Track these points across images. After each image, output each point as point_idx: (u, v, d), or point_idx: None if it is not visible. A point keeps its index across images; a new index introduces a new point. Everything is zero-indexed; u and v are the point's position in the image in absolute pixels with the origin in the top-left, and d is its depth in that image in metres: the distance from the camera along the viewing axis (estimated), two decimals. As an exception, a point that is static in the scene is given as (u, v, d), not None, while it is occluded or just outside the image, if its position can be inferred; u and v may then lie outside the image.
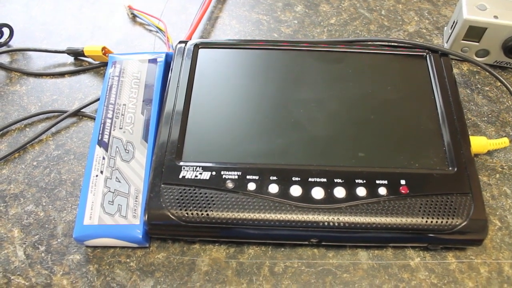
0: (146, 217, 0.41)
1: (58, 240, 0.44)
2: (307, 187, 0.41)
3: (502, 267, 0.43)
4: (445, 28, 0.56)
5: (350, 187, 0.41)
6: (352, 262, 0.43)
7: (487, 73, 0.51)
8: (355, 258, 0.43)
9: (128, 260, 0.43)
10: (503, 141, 0.47)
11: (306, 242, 0.42)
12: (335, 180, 0.42)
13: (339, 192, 0.41)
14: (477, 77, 0.54)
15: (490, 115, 0.52)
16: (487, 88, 0.54)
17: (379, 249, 0.43)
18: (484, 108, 0.52)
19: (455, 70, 0.55)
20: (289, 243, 0.44)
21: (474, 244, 0.43)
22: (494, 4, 0.51)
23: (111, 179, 0.44)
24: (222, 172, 0.42)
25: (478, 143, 0.47)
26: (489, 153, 0.49)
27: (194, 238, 0.43)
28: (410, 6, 0.61)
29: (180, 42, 0.51)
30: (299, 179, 0.42)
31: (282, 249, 0.43)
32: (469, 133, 0.50)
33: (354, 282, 0.42)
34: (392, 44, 0.52)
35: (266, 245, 0.44)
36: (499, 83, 0.52)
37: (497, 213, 0.46)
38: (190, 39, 0.55)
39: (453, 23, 0.53)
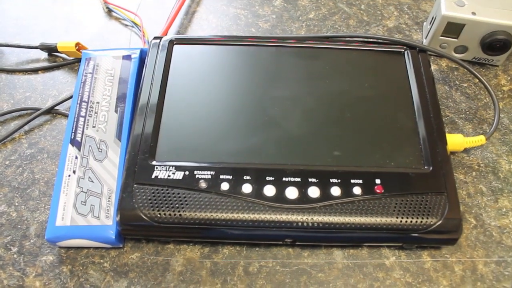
0: (119, 217, 0.41)
1: (31, 241, 0.43)
2: (281, 187, 0.41)
3: (476, 265, 0.43)
4: (425, 23, 0.56)
5: (324, 186, 0.41)
6: (327, 261, 0.43)
7: (465, 70, 0.51)
8: (330, 257, 0.43)
9: (101, 260, 0.42)
10: (480, 139, 0.47)
11: (281, 242, 0.42)
12: (310, 180, 0.41)
13: (313, 192, 0.41)
14: (455, 73, 0.54)
15: (468, 112, 0.51)
16: (466, 85, 0.53)
17: (354, 248, 0.43)
18: (462, 105, 0.52)
19: (434, 66, 0.55)
20: (264, 243, 0.43)
21: (448, 243, 0.43)
22: (473, 0, 0.51)
23: (83, 179, 0.44)
24: (195, 172, 0.42)
25: (455, 141, 0.47)
26: (466, 150, 0.49)
27: (167, 238, 0.43)
28: (390, 1, 0.61)
29: (155, 38, 0.50)
30: (273, 178, 0.41)
31: (257, 248, 0.43)
32: (447, 130, 0.50)
33: (328, 282, 0.42)
34: (370, 40, 0.51)
35: (240, 245, 0.43)
36: (477, 80, 0.52)
37: (473, 211, 0.46)
38: (166, 35, 0.54)
39: (432, 18, 0.53)
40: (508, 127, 0.51)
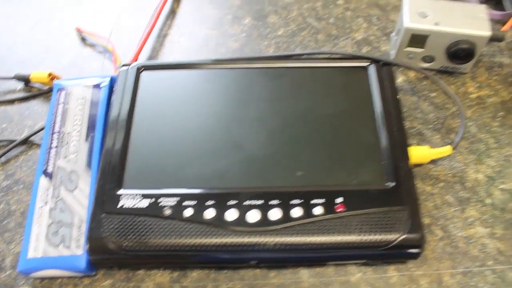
0: (88, 247, 0.42)
1: (6, 272, 0.45)
2: (243, 210, 0.42)
3: (442, 278, 0.43)
4: (392, 34, 0.56)
5: (285, 208, 0.42)
6: (294, 280, 0.43)
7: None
8: (296, 276, 0.44)
9: (75, 288, 0.44)
10: (446, 150, 0.48)
11: (245, 265, 0.43)
12: (271, 202, 0.42)
13: (275, 214, 0.42)
14: (423, 83, 0.55)
15: (435, 122, 0.52)
16: (433, 95, 0.54)
17: (321, 266, 0.44)
18: (430, 115, 0.52)
19: (402, 77, 0.55)
20: (232, 266, 0.44)
21: (411, 258, 0.43)
22: (435, 11, 0.51)
23: (55, 209, 0.45)
24: (160, 199, 0.43)
25: (421, 154, 0.48)
26: (434, 161, 0.49)
27: (136, 265, 0.44)
28: (358, 13, 0.61)
29: (123, 65, 0.52)
30: (236, 202, 0.42)
31: (225, 271, 0.44)
32: (415, 142, 0.50)
33: (295, 301, 0.42)
34: (333, 57, 0.52)
35: (209, 268, 0.44)
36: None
37: (439, 222, 0.46)
38: (137, 59, 0.55)
39: (398, 30, 0.53)
40: (475, 135, 0.51)
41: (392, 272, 0.44)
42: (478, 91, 0.54)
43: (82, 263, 0.42)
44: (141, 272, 0.44)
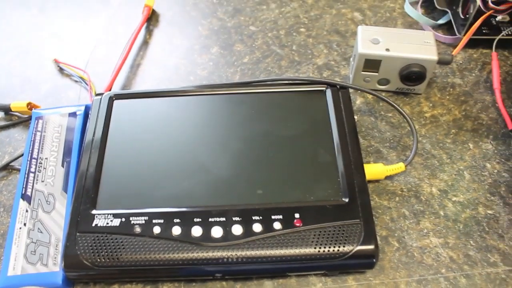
0: (63, 264, 0.45)
1: (-14, 291, 0.47)
2: (207, 227, 0.45)
3: (398, 286, 0.46)
4: (350, 59, 0.60)
5: (247, 224, 0.45)
6: (258, 292, 0.46)
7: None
8: (260, 287, 0.46)
9: (52, 305, 0.46)
10: (399, 166, 0.51)
11: (211, 277, 0.46)
12: (233, 219, 0.45)
13: (237, 229, 0.45)
14: (380, 104, 0.58)
15: (392, 141, 0.55)
16: (390, 115, 0.57)
17: (283, 278, 0.47)
18: (387, 134, 0.56)
19: (360, 99, 0.59)
20: (200, 278, 0.47)
21: (367, 267, 0.46)
22: (386, 38, 0.55)
23: (33, 230, 0.48)
24: (131, 218, 0.46)
25: (375, 171, 0.51)
26: (390, 177, 0.53)
27: (109, 280, 0.47)
28: (320, 40, 0.65)
29: (97, 94, 0.55)
30: (200, 220, 0.45)
31: (194, 284, 0.47)
32: (372, 159, 0.54)
33: (260, 311, 0.45)
34: (293, 82, 0.55)
35: (179, 281, 0.47)
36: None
37: (396, 234, 0.49)
38: (111, 89, 0.59)
39: (354, 56, 0.57)
40: (429, 151, 0.55)
41: (351, 282, 0.47)
42: (432, 110, 0.58)
43: (59, 279, 0.45)
44: (115, 286, 0.47)
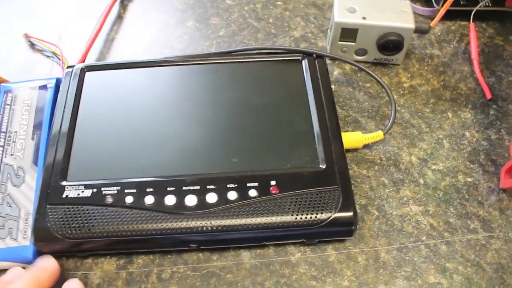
0: (33, 238, 0.43)
1: (-47, 268, 0.45)
2: (181, 196, 0.44)
3: (379, 254, 0.46)
4: (328, 30, 0.59)
5: (222, 192, 0.44)
6: (235, 262, 0.45)
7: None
8: (238, 258, 0.45)
9: (23, 281, 0.44)
10: (378, 135, 0.50)
11: (187, 248, 0.45)
12: (208, 187, 0.44)
13: (211, 197, 0.44)
14: (358, 75, 0.57)
15: (370, 110, 0.55)
16: (368, 85, 0.57)
17: (261, 248, 0.46)
18: (365, 104, 0.55)
19: (338, 70, 0.58)
20: (176, 250, 0.46)
21: (345, 235, 0.45)
22: (363, 6, 0.54)
23: (2, 204, 0.46)
24: (103, 189, 0.44)
25: (353, 139, 0.50)
26: (369, 146, 0.52)
27: (82, 253, 0.45)
28: (297, 13, 0.64)
29: (68, 67, 0.53)
30: (174, 188, 0.44)
31: (169, 256, 0.45)
32: (350, 129, 0.53)
33: (237, 282, 0.44)
34: (269, 51, 0.54)
35: (154, 253, 0.46)
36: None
37: (375, 203, 0.49)
38: (84, 62, 0.57)
39: (330, 26, 0.56)
40: (409, 121, 0.54)
41: (330, 251, 0.46)
42: (410, 80, 0.57)
43: (29, 253, 0.44)
44: (89, 260, 0.45)
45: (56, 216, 0.43)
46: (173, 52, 0.60)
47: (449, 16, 0.61)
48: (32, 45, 0.62)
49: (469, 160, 0.51)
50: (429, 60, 0.59)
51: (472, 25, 0.60)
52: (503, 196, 0.49)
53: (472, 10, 0.60)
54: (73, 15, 0.65)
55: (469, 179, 0.50)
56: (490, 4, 0.61)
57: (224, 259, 0.45)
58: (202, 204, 0.43)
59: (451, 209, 0.48)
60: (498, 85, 0.57)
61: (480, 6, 0.60)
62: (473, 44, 0.58)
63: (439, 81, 0.57)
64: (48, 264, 0.43)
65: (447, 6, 0.58)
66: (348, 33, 0.54)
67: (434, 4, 0.62)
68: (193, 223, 0.43)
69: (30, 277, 0.41)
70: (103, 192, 0.44)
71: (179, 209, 0.43)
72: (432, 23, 0.58)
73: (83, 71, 0.53)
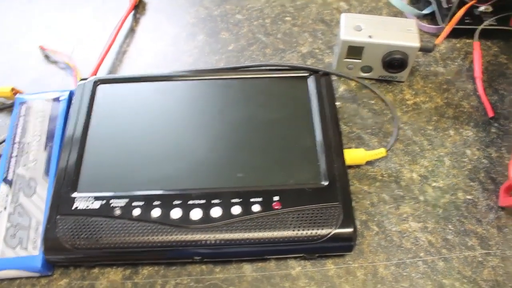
0: (43, 247, 0.45)
1: (-34, 274, 0.47)
2: (186, 210, 0.45)
3: (377, 269, 0.47)
4: (334, 47, 0.61)
5: (226, 206, 0.45)
6: (237, 275, 0.46)
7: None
8: (240, 271, 0.47)
9: (33, 288, 0.46)
10: (380, 152, 0.51)
11: (191, 260, 0.46)
12: (213, 201, 0.46)
13: (216, 212, 0.45)
14: (363, 91, 0.59)
15: (374, 127, 0.56)
16: (373, 102, 0.58)
17: (263, 261, 0.47)
18: (369, 121, 0.56)
19: (343, 87, 0.59)
20: (180, 262, 0.47)
21: (345, 250, 0.47)
22: (369, 25, 0.56)
23: (14, 214, 0.48)
24: (111, 201, 0.46)
25: (357, 156, 0.51)
26: (371, 162, 0.53)
27: (89, 263, 0.47)
28: (305, 28, 0.65)
29: (81, 79, 0.55)
30: (180, 202, 0.46)
31: (174, 267, 0.47)
32: (354, 145, 0.54)
33: (239, 293, 0.46)
34: (276, 68, 0.56)
35: (159, 265, 0.47)
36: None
37: (375, 219, 0.50)
38: (96, 74, 0.59)
39: (337, 43, 0.58)
40: (411, 138, 0.55)
41: (330, 266, 0.47)
42: (414, 98, 0.58)
43: (38, 263, 0.45)
44: (95, 270, 0.47)
45: (66, 226, 0.45)
46: (183, 65, 0.61)
47: (454, 34, 0.62)
48: (46, 57, 0.63)
49: (469, 177, 0.52)
50: (433, 78, 0.60)
51: (476, 43, 0.61)
52: (501, 214, 0.50)
53: (477, 29, 0.61)
54: (87, 27, 0.67)
55: (468, 197, 0.51)
56: (496, 23, 0.62)
57: (226, 271, 0.47)
58: (206, 218, 0.45)
59: (450, 226, 0.49)
60: (500, 103, 0.58)
61: (485, 25, 0.61)
62: (477, 63, 0.59)
63: (442, 98, 0.58)
64: None
65: (452, 24, 0.60)
66: (354, 50, 0.56)
67: (440, 22, 0.63)
68: (197, 236, 0.44)
69: None
70: (112, 205, 0.46)
71: (185, 223, 0.45)
72: (437, 41, 0.59)
73: (95, 84, 0.54)
